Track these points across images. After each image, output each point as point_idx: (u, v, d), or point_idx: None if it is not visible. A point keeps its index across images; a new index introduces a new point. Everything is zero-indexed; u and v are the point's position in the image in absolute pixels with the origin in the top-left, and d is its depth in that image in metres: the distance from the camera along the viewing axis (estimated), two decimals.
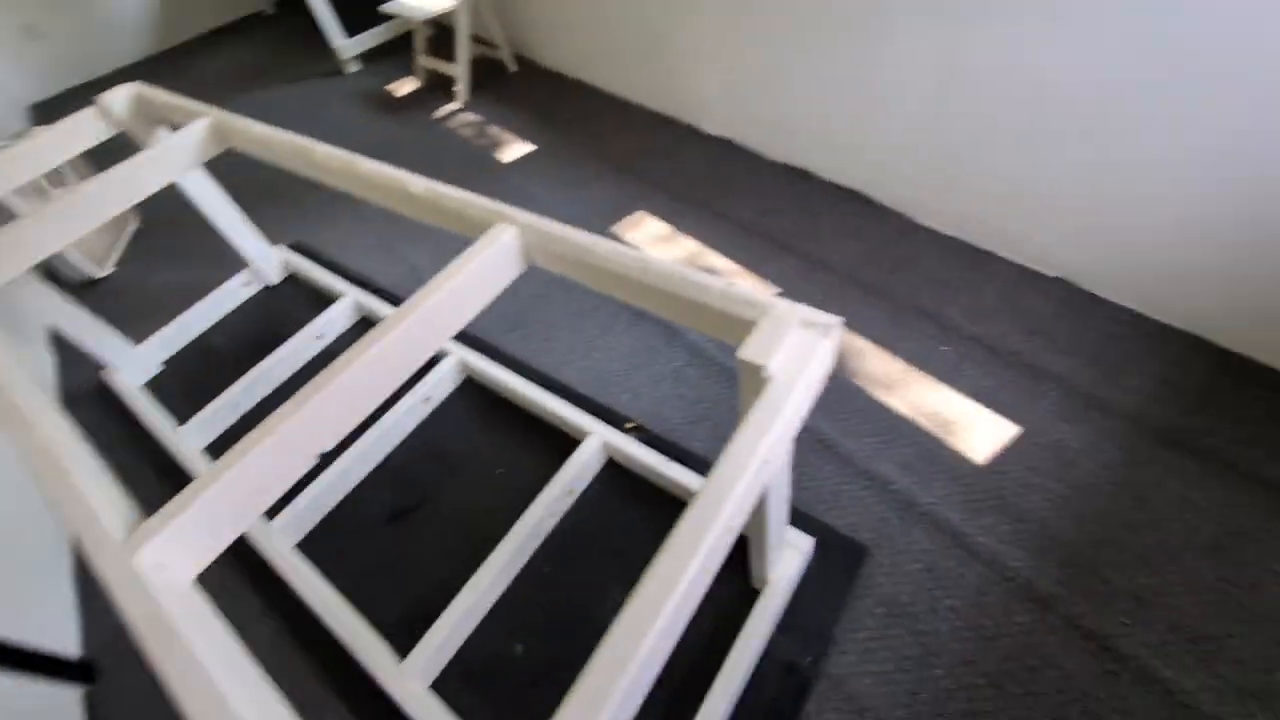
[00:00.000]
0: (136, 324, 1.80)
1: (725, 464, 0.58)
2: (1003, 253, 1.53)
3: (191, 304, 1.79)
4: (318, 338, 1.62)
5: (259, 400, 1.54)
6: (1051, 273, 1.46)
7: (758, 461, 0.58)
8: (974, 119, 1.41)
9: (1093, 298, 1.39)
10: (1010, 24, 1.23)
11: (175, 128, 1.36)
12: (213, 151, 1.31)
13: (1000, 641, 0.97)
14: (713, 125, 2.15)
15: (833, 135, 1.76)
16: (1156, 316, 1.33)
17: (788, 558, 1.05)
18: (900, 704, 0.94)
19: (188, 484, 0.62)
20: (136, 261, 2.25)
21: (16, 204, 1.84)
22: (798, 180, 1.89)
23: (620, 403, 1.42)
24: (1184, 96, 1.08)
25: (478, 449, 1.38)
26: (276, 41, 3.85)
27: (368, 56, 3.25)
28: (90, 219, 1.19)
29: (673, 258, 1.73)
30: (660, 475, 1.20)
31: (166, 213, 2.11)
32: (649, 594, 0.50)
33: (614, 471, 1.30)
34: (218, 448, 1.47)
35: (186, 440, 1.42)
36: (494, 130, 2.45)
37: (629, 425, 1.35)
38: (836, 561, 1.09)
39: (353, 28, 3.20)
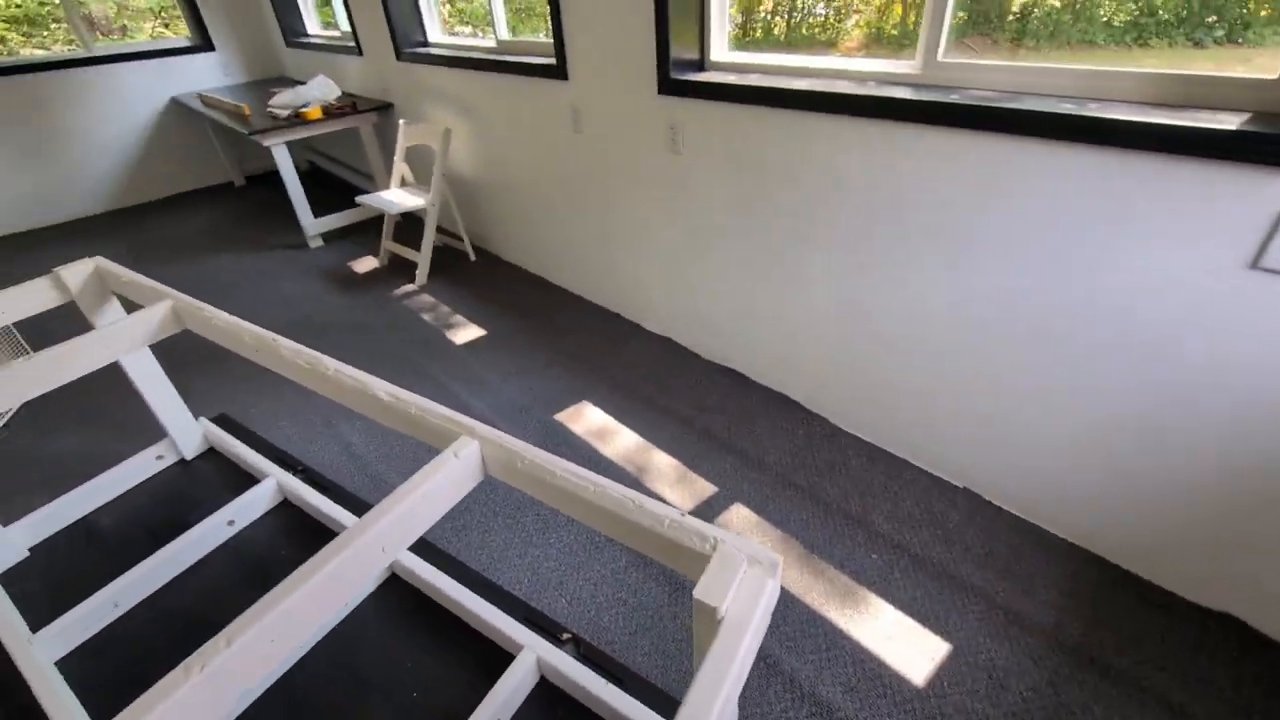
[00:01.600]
0: (14, 500, 1.61)
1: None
2: (916, 461, 1.69)
3: (87, 478, 1.63)
4: (229, 523, 1.49)
5: (146, 596, 1.35)
6: (959, 483, 1.62)
7: (715, 713, 0.58)
8: (876, 343, 1.65)
9: (997, 509, 1.54)
10: (900, 270, 1.52)
11: (128, 303, 1.37)
12: (167, 333, 1.31)
13: None
14: (655, 324, 2.37)
15: (761, 345, 1.99)
16: (1055, 531, 1.48)
17: None
18: None
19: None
20: (29, 424, 2.06)
21: None
22: (733, 381, 2.07)
23: (557, 609, 1.35)
24: (1058, 341, 1.34)
25: (395, 663, 1.24)
26: (243, 212, 4.05)
27: (331, 235, 3.46)
28: (32, 390, 1.13)
29: (615, 451, 1.79)
30: (600, 702, 1.11)
31: None
32: None
33: (546, 691, 1.19)
34: (77, 661, 1.24)
35: (39, 652, 1.20)
36: (448, 313, 2.59)
37: (565, 637, 1.28)
38: None
39: (320, 208, 3.46)
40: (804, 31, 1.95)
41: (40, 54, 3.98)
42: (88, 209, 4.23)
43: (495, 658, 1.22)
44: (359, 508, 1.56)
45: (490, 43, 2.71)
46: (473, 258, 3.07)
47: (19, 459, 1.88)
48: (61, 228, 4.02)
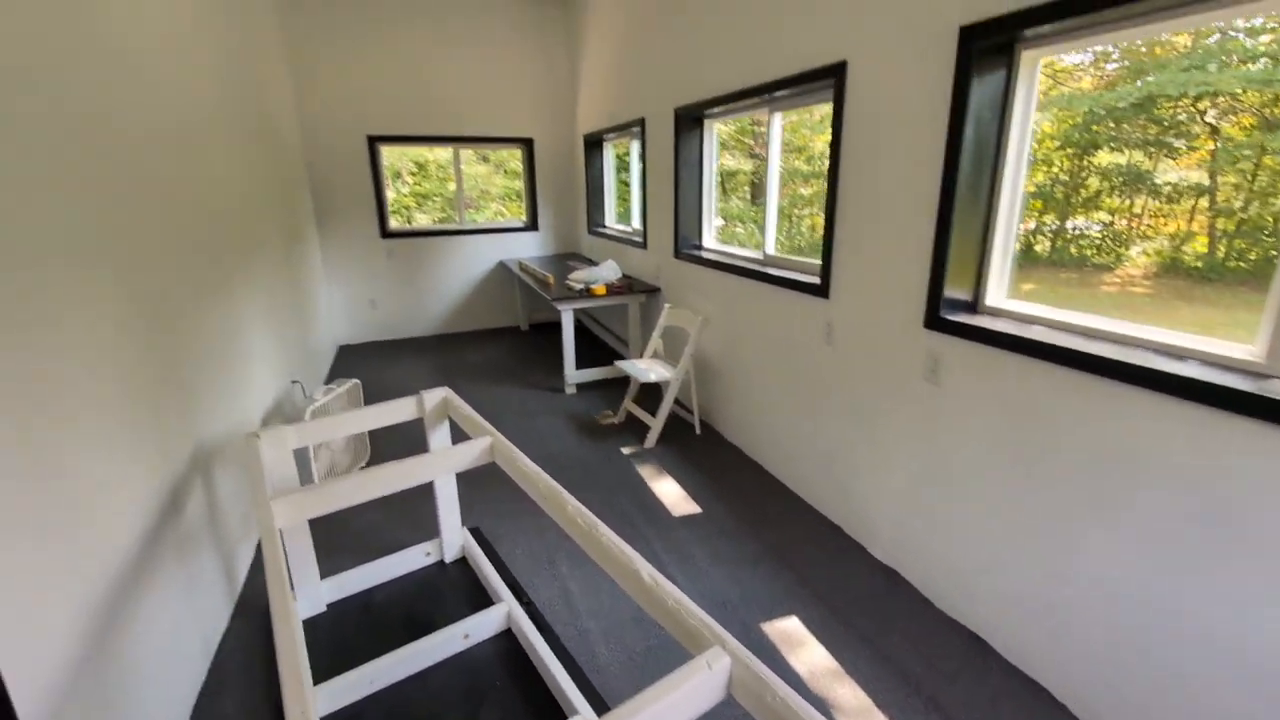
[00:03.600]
0: (327, 556, 2.02)
1: None
2: None
3: (378, 555, 2.00)
4: (464, 637, 1.68)
5: (393, 682, 1.55)
6: None
7: None
8: (1189, 661, 1.30)
9: None
10: (1228, 581, 1.23)
11: (456, 430, 1.75)
12: (481, 463, 1.64)
13: None
14: (880, 551, 2.21)
15: (1013, 613, 1.71)
16: None
17: None
18: None
19: None
20: None
21: (339, 442, 2.48)
22: (973, 646, 1.78)
23: None
24: None
25: None
26: (521, 352, 4.98)
27: (583, 385, 4.04)
28: (386, 490, 1.48)
29: (827, 692, 1.63)
30: None
31: (391, 453, 2.53)
32: None
33: None
34: None
35: (314, 705, 1.43)
36: (669, 482, 2.75)
37: None
38: None
39: (579, 361, 4.10)
40: (1073, 252, 1.87)
41: (427, 222, 5.68)
42: (423, 331, 5.61)
43: None
44: (566, 660, 1.63)
45: (757, 254, 3.12)
46: (698, 431, 3.28)
47: (340, 524, 2.39)
48: (406, 342, 5.38)
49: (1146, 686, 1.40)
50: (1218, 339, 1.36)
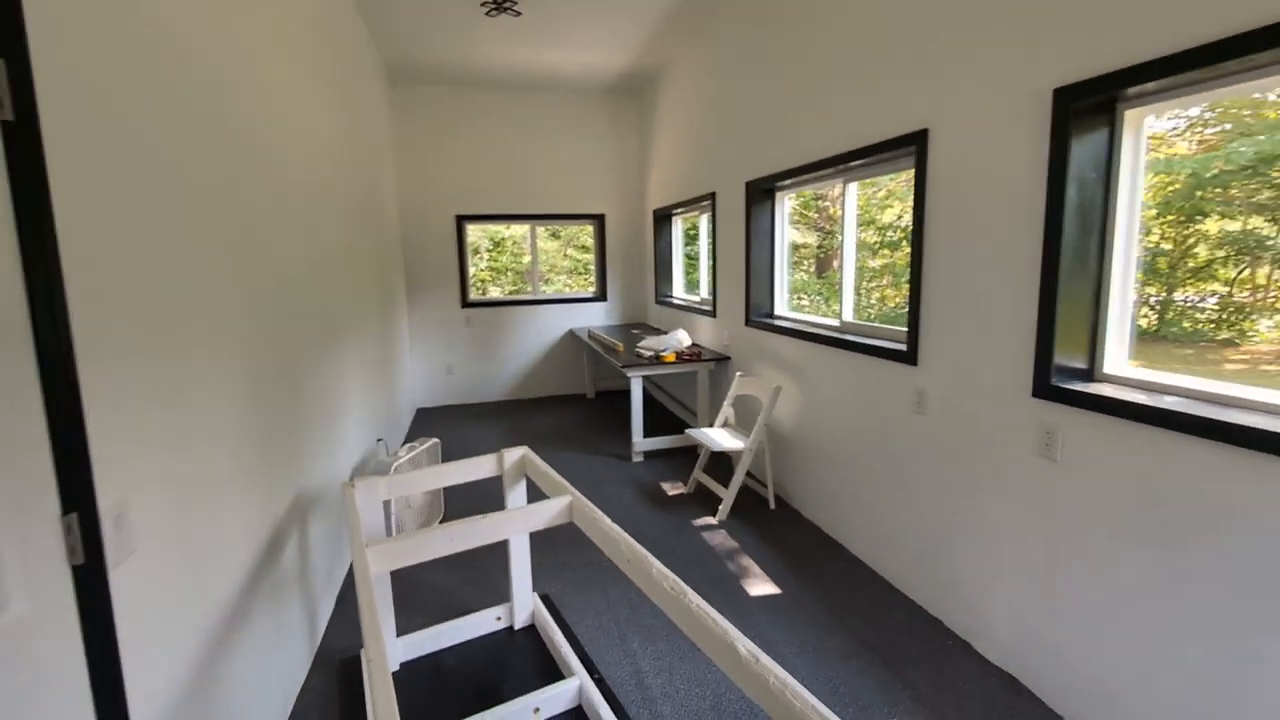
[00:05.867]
0: (403, 615, 2.00)
1: None
2: None
3: (450, 616, 1.95)
4: (535, 710, 1.58)
5: None
6: None
7: None
8: None
9: None
10: None
11: (533, 489, 1.73)
12: (558, 523, 1.60)
13: None
14: (992, 651, 1.95)
15: None
16: None
17: None
18: None
19: None
20: None
21: (417, 499, 2.50)
22: None
23: None
24: None
25: None
26: (588, 419, 5.00)
27: (650, 454, 3.97)
28: (465, 544, 1.47)
29: None
30: None
31: (463, 514, 2.51)
32: None
33: None
34: None
35: None
36: (744, 559, 2.59)
37: None
38: None
39: (650, 429, 4.05)
40: (1185, 326, 1.71)
41: (499, 294, 5.97)
42: (495, 397, 5.78)
43: None
44: None
45: (834, 321, 3.05)
46: (772, 506, 3.11)
47: (414, 582, 2.37)
48: (479, 406, 5.54)
49: None
50: None
